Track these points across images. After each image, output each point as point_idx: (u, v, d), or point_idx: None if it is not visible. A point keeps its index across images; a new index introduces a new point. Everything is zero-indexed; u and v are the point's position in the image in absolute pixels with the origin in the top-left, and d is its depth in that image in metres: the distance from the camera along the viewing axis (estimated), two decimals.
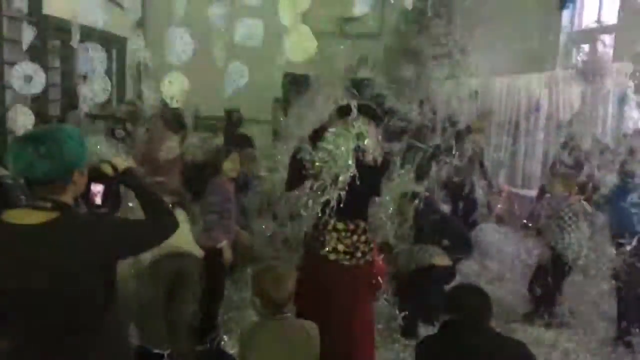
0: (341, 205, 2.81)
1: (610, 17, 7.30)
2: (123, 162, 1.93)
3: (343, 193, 2.80)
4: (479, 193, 6.07)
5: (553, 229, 4.37)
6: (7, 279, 1.58)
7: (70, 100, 6.24)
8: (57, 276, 1.58)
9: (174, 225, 1.87)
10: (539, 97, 6.86)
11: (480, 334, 2.42)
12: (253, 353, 2.42)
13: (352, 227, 2.96)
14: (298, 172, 2.97)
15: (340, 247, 2.93)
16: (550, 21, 8.01)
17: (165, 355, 3.20)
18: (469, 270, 5.16)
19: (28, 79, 4.26)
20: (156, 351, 3.20)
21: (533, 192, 6.41)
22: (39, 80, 4.33)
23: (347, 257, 2.94)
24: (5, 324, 1.62)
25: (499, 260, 5.52)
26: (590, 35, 7.67)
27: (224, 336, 3.77)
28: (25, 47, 4.52)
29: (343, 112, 2.94)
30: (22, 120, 4.29)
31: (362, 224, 3.01)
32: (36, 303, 1.59)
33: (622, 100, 5.70)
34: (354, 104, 2.92)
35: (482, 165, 6.15)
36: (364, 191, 2.89)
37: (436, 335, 2.61)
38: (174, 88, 4.30)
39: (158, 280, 3.24)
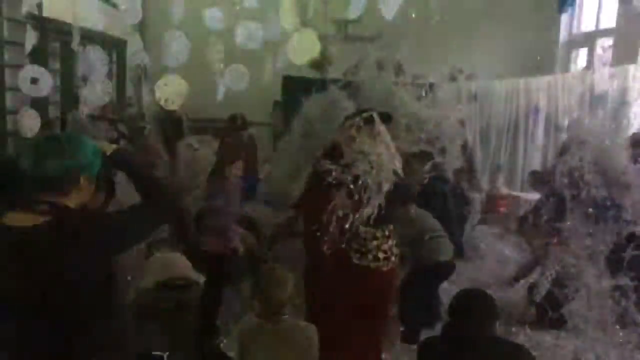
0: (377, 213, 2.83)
1: (609, 20, 7.33)
2: (110, 146, 1.91)
3: (382, 201, 2.80)
4: (475, 195, 6.03)
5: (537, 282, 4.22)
6: (4, 283, 1.58)
7: (70, 102, 6.25)
8: (53, 278, 1.57)
9: (170, 204, 1.85)
10: (537, 100, 6.87)
11: (483, 338, 2.42)
12: (252, 355, 2.43)
13: (387, 233, 3.00)
14: (327, 197, 2.87)
15: (381, 255, 2.96)
16: (549, 25, 8.04)
17: (165, 357, 3.19)
18: (467, 272, 5.15)
19: (35, 81, 4.29)
20: (155, 353, 3.19)
21: (532, 196, 6.41)
22: (45, 83, 4.35)
23: (385, 262, 2.98)
24: (4, 325, 1.62)
25: (498, 262, 5.51)
26: (589, 39, 7.73)
27: (223, 338, 3.76)
28: (27, 50, 4.53)
29: (368, 121, 2.94)
30: (29, 123, 4.32)
31: (391, 227, 3.06)
32: (34, 305, 1.59)
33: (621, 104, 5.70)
34: (375, 113, 2.93)
35: (470, 165, 6.03)
36: (395, 197, 2.91)
37: (439, 337, 2.61)
38: (169, 90, 4.31)
39: (157, 310, 3.23)
